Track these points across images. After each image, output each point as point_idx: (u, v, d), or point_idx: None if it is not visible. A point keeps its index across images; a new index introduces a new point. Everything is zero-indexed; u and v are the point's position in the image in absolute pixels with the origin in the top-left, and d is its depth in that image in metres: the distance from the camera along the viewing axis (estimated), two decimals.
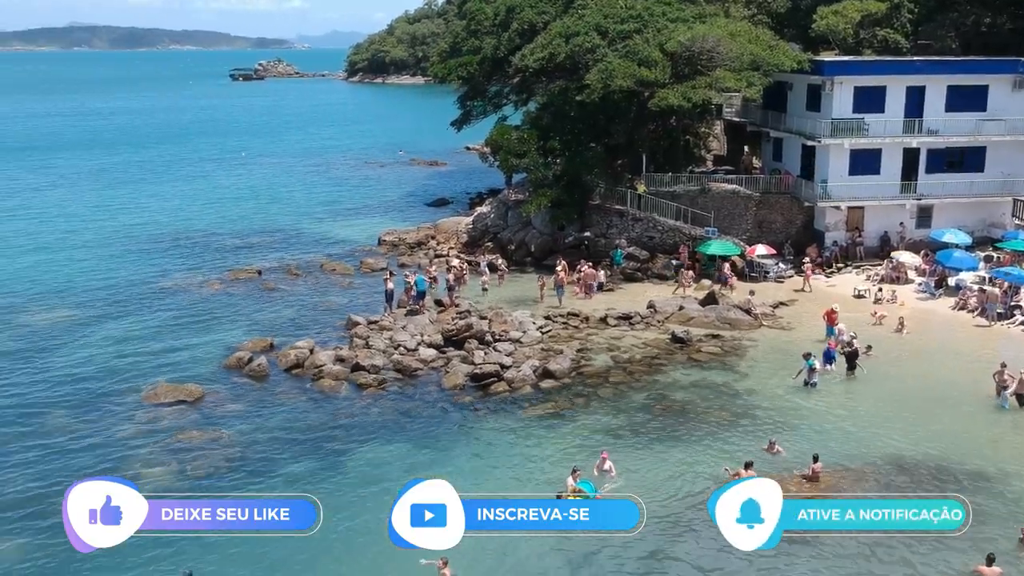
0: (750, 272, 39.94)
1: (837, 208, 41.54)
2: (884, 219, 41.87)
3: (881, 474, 22.33)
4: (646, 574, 18.62)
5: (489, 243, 44.83)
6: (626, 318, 34.24)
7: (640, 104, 42.03)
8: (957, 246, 38.85)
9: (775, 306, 35.84)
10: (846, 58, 44.25)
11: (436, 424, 26.08)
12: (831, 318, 31.70)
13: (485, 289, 38.47)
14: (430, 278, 38.08)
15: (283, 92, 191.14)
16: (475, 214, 49.09)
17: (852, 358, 28.97)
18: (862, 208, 41.72)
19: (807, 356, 28.21)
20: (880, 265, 40.02)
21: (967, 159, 42.11)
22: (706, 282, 38.35)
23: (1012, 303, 34.11)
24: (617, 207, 42.33)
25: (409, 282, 36.15)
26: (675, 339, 32.11)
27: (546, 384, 28.50)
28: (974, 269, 37.64)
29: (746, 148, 49.53)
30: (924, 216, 42.10)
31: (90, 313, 36.55)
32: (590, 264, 39.17)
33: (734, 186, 42.94)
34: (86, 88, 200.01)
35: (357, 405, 27.46)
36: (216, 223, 54.18)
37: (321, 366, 29.64)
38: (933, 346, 31.88)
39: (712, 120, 48.91)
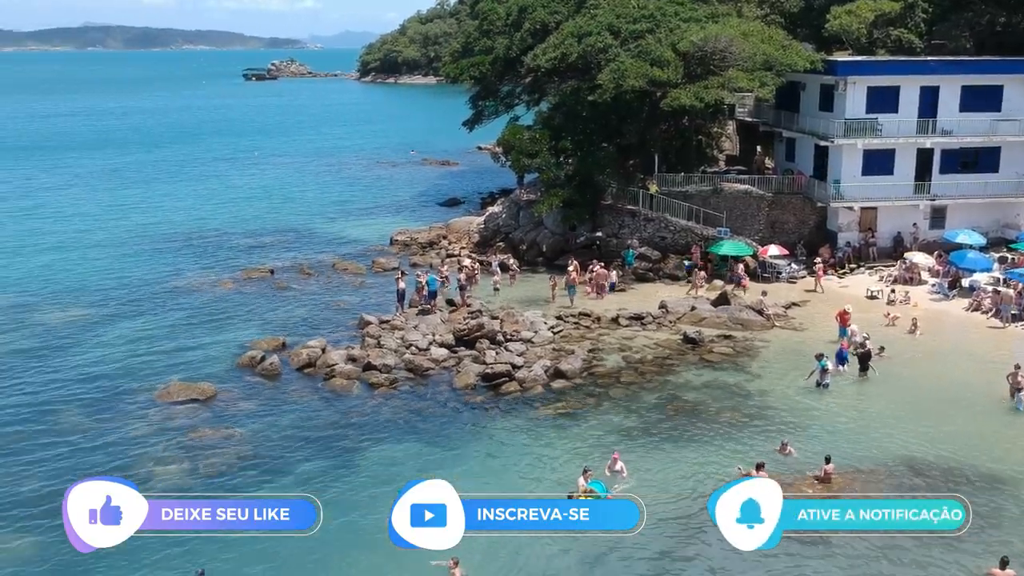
0: (762, 273, 39.83)
1: (850, 208, 41.39)
2: (897, 220, 41.70)
3: (894, 476, 22.25)
4: (658, 575, 18.60)
5: (501, 243, 44.85)
6: (638, 318, 34.20)
7: (652, 104, 41.98)
8: (971, 247, 38.68)
9: (787, 307, 35.74)
10: (859, 58, 44.05)
11: (447, 424, 26.12)
12: (844, 319, 31.59)
13: (497, 289, 38.50)
14: (442, 278, 38.15)
15: (296, 92, 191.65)
16: (487, 214, 49.11)
17: (865, 359, 28.86)
18: (875, 209, 41.55)
19: (819, 357, 28.12)
20: (893, 266, 39.84)
21: (981, 159, 41.90)
22: (718, 282, 38.28)
23: None
24: (629, 207, 42.29)
25: (421, 282, 36.20)
26: (687, 340, 32.05)
27: (557, 384, 28.51)
28: (988, 270, 37.47)
29: (759, 148, 49.42)
30: (938, 217, 41.91)
31: (104, 312, 36.75)
32: (602, 264, 39.14)
33: (746, 186, 42.85)
34: (100, 88, 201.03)
35: (369, 404, 27.53)
36: (229, 222, 54.39)
37: (333, 365, 29.71)
38: (946, 347, 31.73)
39: (724, 120, 48.83)
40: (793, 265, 40.45)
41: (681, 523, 20.09)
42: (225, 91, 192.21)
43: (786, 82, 41.72)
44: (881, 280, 39.03)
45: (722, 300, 35.25)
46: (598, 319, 34.46)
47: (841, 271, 40.29)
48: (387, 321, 33.93)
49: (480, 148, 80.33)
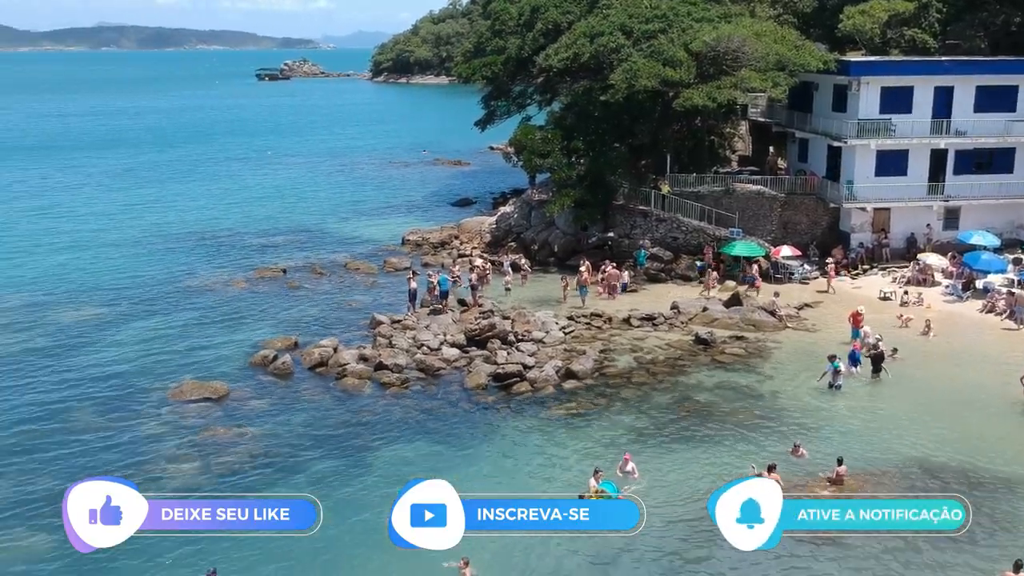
0: (775, 273, 39.70)
1: (863, 209, 41.20)
2: (911, 221, 41.49)
3: (906, 478, 22.13)
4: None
5: (512, 243, 44.87)
6: (649, 319, 34.15)
7: (665, 104, 41.92)
8: (985, 248, 38.46)
9: (800, 308, 35.63)
10: (873, 58, 43.87)
11: (458, 424, 26.14)
12: (856, 320, 31.45)
13: (508, 289, 38.51)
14: (454, 278, 38.19)
15: (309, 92, 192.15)
16: (498, 214, 49.15)
17: (877, 361, 28.74)
18: (888, 209, 41.35)
19: (832, 358, 28.01)
20: (906, 267, 39.64)
21: (996, 160, 41.63)
22: (731, 283, 38.19)
23: None
24: (641, 207, 42.23)
25: (432, 282, 36.26)
26: (699, 340, 31.99)
27: (569, 385, 28.50)
28: (1002, 271, 37.26)
29: (771, 149, 49.23)
30: (951, 218, 41.67)
31: (117, 311, 36.93)
32: (613, 264, 39.10)
33: (759, 187, 42.72)
34: (114, 88, 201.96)
35: (380, 404, 27.58)
36: (242, 222, 54.59)
37: (345, 365, 29.79)
38: (960, 349, 31.56)
39: (737, 120, 48.72)
40: (806, 266, 40.31)
41: (692, 524, 20.02)
42: (238, 91, 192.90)
43: (799, 82, 41.59)
44: (894, 281, 38.84)
45: (734, 301, 35.17)
46: (609, 320, 34.43)
47: (854, 272, 40.13)
48: (399, 321, 34.01)
49: (492, 148, 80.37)
